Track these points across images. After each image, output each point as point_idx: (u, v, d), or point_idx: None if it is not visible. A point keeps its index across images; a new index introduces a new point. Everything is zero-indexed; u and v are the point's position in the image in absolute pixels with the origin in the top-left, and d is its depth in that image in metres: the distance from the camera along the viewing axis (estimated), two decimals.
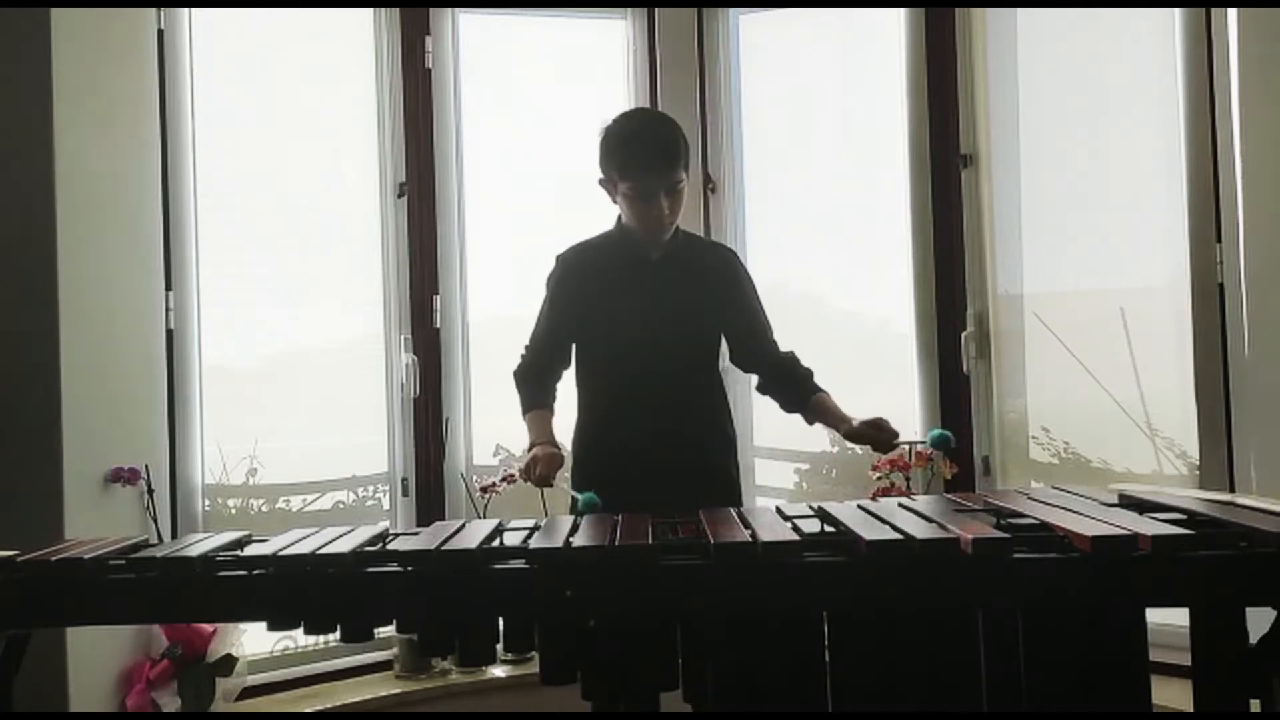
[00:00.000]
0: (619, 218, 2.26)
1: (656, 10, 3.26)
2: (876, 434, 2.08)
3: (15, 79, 2.45)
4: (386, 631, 2.18)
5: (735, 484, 2.30)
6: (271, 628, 1.62)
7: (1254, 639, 1.49)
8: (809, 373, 2.28)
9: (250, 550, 1.64)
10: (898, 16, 3.17)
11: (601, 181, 2.22)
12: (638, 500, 1.82)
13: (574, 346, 2.29)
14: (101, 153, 2.61)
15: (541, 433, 2.17)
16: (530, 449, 2.13)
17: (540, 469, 2.07)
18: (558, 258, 2.31)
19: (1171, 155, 2.64)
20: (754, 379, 2.35)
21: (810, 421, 2.27)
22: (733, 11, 3.30)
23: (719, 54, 3.28)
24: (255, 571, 1.57)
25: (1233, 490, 2.48)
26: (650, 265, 2.23)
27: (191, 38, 2.89)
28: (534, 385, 2.27)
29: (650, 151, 2.12)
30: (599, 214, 3.30)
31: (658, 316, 2.21)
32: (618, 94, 3.31)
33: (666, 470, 2.15)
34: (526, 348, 2.31)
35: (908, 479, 2.94)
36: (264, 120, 3.03)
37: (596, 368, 2.27)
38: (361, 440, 3.10)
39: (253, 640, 2.78)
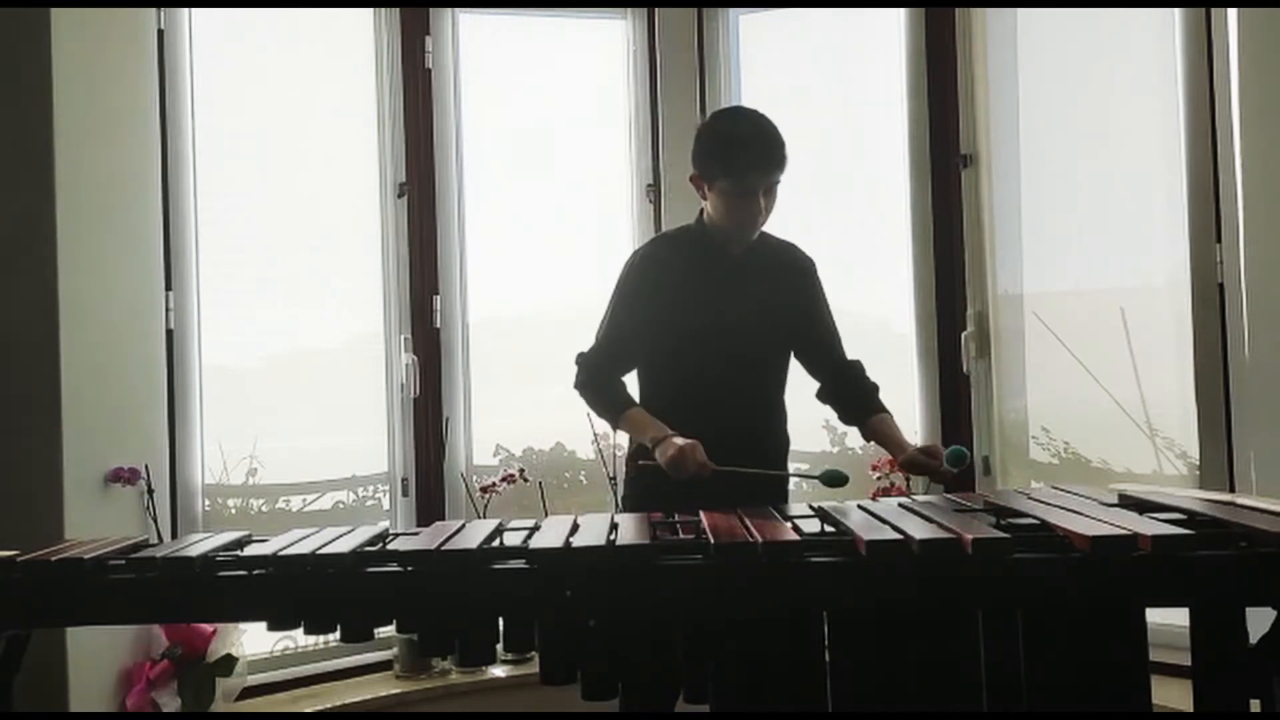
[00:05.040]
0: (700, 213, 2.23)
1: (656, 10, 3.26)
2: (931, 461, 2.08)
3: (15, 79, 2.45)
4: (386, 631, 2.17)
5: (787, 492, 2.29)
6: (271, 628, 1.62)
7: (1254, 639, 1.49)
8: (874, 387, 2.28)
9: (250, 550, 1.64)
10: (897, 17, 3.17)
11: (692, 178, 2.19)
12: (703, 504, 1.78)
13: (641, 347, 2.23)
14: (101, 153, 2.61)
15: (660, 426, 2.08)
16: (658, 444, 2.03)
17: (699, 455, 1.98)
18: (634, 254, 2.28)
19: (1171, 155, 2.64)
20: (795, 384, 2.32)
21: (867, 439, 2.28)
22: (733, 11, 3.30)
23: (719, 54, 3.28)
24: (255, 571, 1.57)
25: (1233, 490, 2.48)
26: (731, 262, 2.21)
27: (191, 38, 2.89)
28: (611, 389, 2.20)
29: (759, 149, 2.10)
30: (599, 214, 3.32)
31: (738, 313, 2.19)
32: (618, 94, 3.31)
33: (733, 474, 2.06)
34: (590, 350, 2.23)
35: (908, 479, 2.94)
36: (264, 120, 3.03)
37: (671, 366, 2.21)
38: (361, 440, 3.10)
39: (253, 640, 2.77)
